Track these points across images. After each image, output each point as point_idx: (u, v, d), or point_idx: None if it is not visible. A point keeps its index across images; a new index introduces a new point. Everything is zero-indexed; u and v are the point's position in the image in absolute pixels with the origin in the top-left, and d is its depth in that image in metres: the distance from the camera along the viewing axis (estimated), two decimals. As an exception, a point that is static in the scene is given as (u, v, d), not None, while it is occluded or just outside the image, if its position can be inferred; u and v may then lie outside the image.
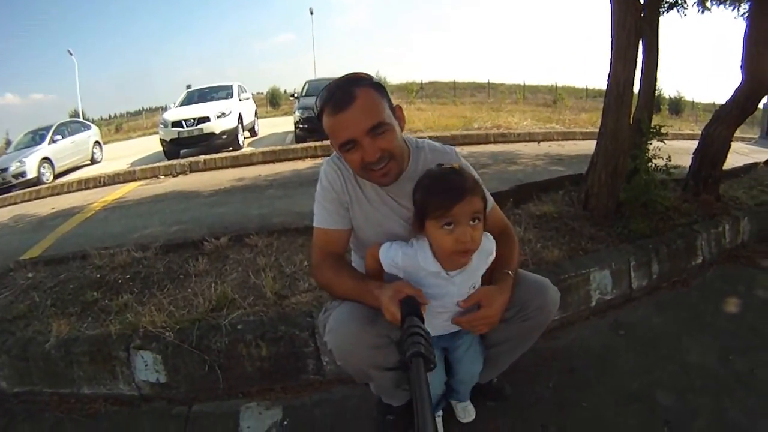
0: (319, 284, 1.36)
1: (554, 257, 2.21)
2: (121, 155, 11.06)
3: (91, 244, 3.04)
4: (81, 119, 14.21)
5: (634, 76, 2.67)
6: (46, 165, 9.07)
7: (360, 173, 1.23)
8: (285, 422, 1.58)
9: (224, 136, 8.89)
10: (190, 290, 2.17)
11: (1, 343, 1.84)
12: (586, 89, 27.35)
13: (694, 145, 3.33)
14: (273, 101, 26.40)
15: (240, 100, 10.25)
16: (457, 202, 1.07)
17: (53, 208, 5.71)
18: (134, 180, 7.14)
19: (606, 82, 2.69)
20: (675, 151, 3.03)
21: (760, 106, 3.15)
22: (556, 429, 1.47)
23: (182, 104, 9.98)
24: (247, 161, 7.47)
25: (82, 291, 2.29)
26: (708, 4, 4.03)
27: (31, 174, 8.61)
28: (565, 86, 28.51)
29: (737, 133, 3.29)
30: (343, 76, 1.20)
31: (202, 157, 7.50)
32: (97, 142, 11.45)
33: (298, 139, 8.73)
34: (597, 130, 2.88)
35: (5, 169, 8.48)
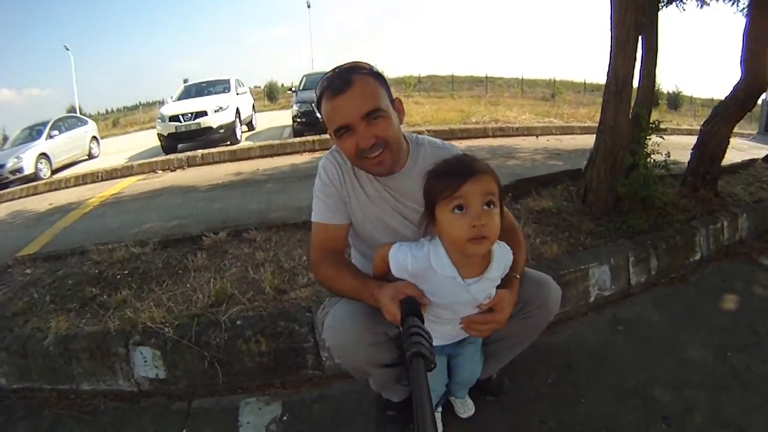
0: (319, 281, 1.36)
1: (553, 253, 2.21)
2: (118, 150, 11.03)
3: (89, 240, 3.04)
4: (78, 114, 14.09)
5: (634, 71, 2.66)
6: (43, 161, 9.02)
7: (355, 161, 1.23)
8: (284, 417, 1.59)
9: (222, 131, 8.85)
10: (188, 285, 2.17)
11: (0, 340, 1.84)
12: (584, 83, 27.33)
13: (691, 140, 3.33)
14: (270, 95, 26.27)
15: (237, 94, 10.19)
16: (466, 179, 0.99)
17: (51, 204, 5.69)
18: (132, 175, 7.11)
19: (605, 77, 2.68)
20: (673, 146, 3.02)
21: (759, 102, 3.14)
22: (555, 424, 1.48)
23: (179, 98, 9.92)
24: (245, 155, 7.44)
25: (81, 287, 2.29)
26: (707, -3, 4.02)
27: (29, 170, 8.57)
28: (563, 80, 28.47)
29: (736, 129, 3.29)
30: (343, 64, 1.20)
31: (199, 152, 7.47)
32: (94, 138, 11.37)
33: (296, 133, 8.70)
34: (595, 124, 2.87)
35: (2, 166, 8.41)
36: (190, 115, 8.70)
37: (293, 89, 10.46)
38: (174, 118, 8.73)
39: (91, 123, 11.91)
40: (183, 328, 1.77)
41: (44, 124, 9.95)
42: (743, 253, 2.66)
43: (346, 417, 1.57)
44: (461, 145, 5.36)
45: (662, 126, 2.98)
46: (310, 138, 7.67)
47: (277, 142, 8.02)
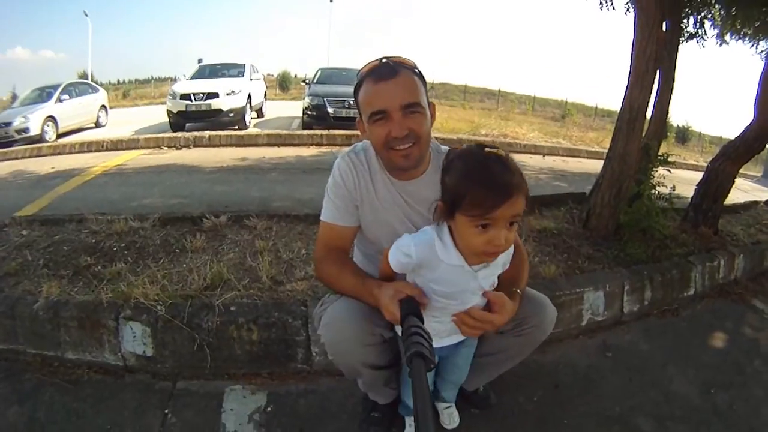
0: (320, 278, 1.36)
1: (550, 273, 2.22)
2: (126, 122, 10.97)
3: (88, 209, 3.03)
4: (90, 81, 14.04)
5: (649, 102, 2.68)
6: (50, 123, 8.98)
7: (381, 150, 1.22)
8: (269, 408, 1.59)
9: (231, 114, 8.85)
10: (185, 266, 2.16)
11: (-10, 299, 1.83)
12: (596, 108, 27.35)
13: (696, 175, 3.35)
14: (283, 84, 26.26)
15: (251, 79, 10.19)
16: (501, 205, 0.94)
17: (53, 168, 5.67)
18: (137, 148, 7.10)
19: (620, 105, 2.70)
20: (678, 180, 3.05)
21: (767, 146, 3.15)
22: (536, 443, 1.49)
23: (193, 78, 9.90)
24: (252, 142, 7.43)
25: (76, 254, 2.28)
26: (727, 37, 4.05)
27: (35, 131, 8.53)
28: (574, 102, 28.49)
29: (741, 171, 3.31)
30: (390, 56, 1.22)
31: (207, 133, 7.45)
32: (103, 106, 11.33)
33: (305, 125, 8.69)
34: (603, 149, 2.89)
35: (9, 123, 8.39)
36: (201, 95, 8.69)
37: (307, 81, 10.45)
38: (185, 97, 8.71)
39: (102, 91, 11.88)
40: (176, 307, 1.76)
41: (55, 87, 9.90)
42: (737, 293, 2.67)
43: (331, 414, 1.57)
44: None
45: (671, 159, 3.00)
46: (318, 132, 7.67)
47: (285, 132, 8.02)
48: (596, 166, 2.94)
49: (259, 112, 11.40)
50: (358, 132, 1.29)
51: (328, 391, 1.66)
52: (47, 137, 8.72)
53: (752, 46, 4.04)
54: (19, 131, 8.39)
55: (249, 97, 9.50)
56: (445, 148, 1.36)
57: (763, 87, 2.94)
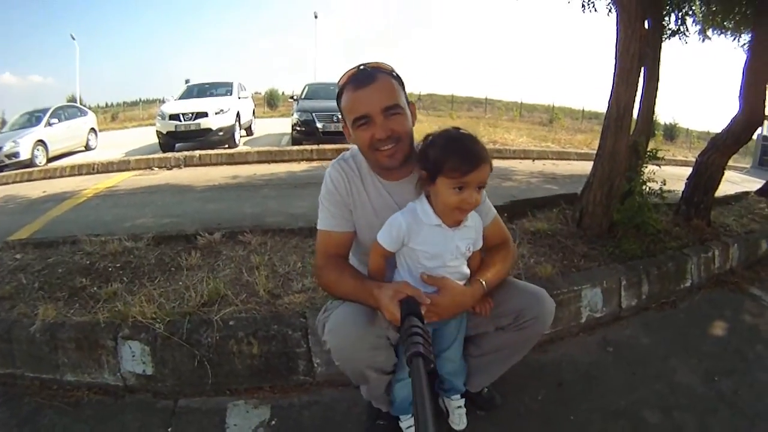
0: (322, 285, 1.38)
1: (547, 273, 2.23)
2: (116, 144, 10.94)
3: (81, 231, 3.01)
4: (78, 104, 14.01)
5: (635, 99, 2.72)
6: (40, 147, 8.92)
7: (368, 152, 1.27)
8: (272, 422, 1.57)
9: (221, 133, 8.85)
10: (181, 283, 2.15)
11: (-15, 324, 1.81)
12: (583, 111, 27.69)
13: (686, 171, 3.39)
14: (271, 102, 26.30)
15: (239, 98, 10.20)
16: (473, 170, 1.15)
17: (44, 192, 5.64)
18: (128, 170, 7.07)
19: (607, 104, 2.74)
20: (668, 176, 3.08)
21: (754, 136, 3.21)
22: (544, 442, 1.48)
23: (181, 98, 9.91)
24: (243, 159, 7.43)
25: (71, 276, 2.26)
26: (709, 33, 4.13)
27: (25, 155, 8.46)
28: (561, 107, 28.81)
29: (730, 162, 3.36)
30: (367, 63, 1.27)
31: (197, 152, 7.44)
32: (92, 129, 11.30)
33: (295, 141, 8.70)
34: (592, 151, 2.92)
35: (-1, 149, 8.34)
36: (190, 114, 8.70)
37: (294, 97, 10.49)
38: (174, 117, 8.72)
39: (91, 114, 11.86)
40: (174, 325, 1.74)
41: (44, 111, 9.86)
42: (733, 282, 2.69)
43: (336, 424, 1.55)
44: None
45: (659, 155, 3.04)
46: (308, 147, 7.69)
47: (275, 148, 8.03)
48: (586, 167, 2.97)
49: (249, 130, 11.41)
50: (347, 146, 1.32)
51: (332, 402, 1.65)
52: (37, 161, 8.66)
53: (734, 39, 4.13)
54: (9, 156, 8.33)
55: (238, 115, 9.52)
56: None
57: (747, 78, 3.00)
